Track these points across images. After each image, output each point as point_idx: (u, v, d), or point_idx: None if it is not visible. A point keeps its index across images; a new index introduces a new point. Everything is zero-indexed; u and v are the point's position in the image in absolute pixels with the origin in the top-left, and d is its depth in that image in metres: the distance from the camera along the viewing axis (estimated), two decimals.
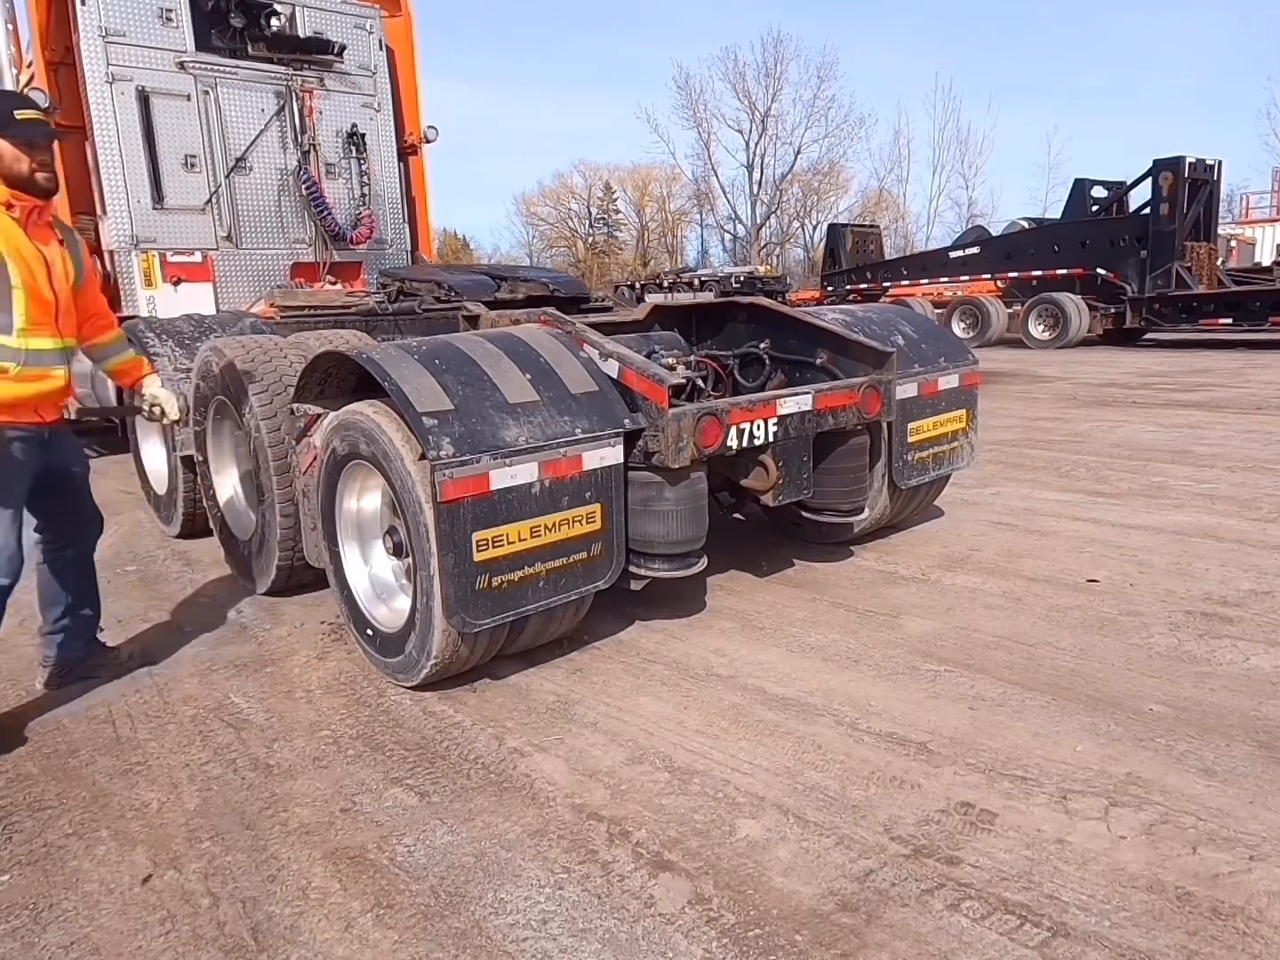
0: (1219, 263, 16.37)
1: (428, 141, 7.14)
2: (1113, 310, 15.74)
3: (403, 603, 3.05)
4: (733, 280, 19.65)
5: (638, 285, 21.74)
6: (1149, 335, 16.30)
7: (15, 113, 2.66)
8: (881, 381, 3.64)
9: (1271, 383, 10.25)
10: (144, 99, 5.56)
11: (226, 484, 4.28)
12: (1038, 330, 16.09)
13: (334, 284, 6.50)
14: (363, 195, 6.51)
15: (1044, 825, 2.12)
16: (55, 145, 2.89)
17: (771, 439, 3.30)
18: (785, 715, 2.72)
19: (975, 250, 18.12)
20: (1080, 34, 64.29)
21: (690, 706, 2.80)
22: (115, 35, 5.46)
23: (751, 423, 3.22)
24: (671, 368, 3.45)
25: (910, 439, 4.02)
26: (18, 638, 3.59)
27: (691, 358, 3.94)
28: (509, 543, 2.69)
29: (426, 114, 7.17)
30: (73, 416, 3.21)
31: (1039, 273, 16.53)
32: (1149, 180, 15.24)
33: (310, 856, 2.12)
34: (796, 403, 3.36)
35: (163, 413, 3.21)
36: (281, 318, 5.28)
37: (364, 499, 3.19)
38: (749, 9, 69.42)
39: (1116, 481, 5.55)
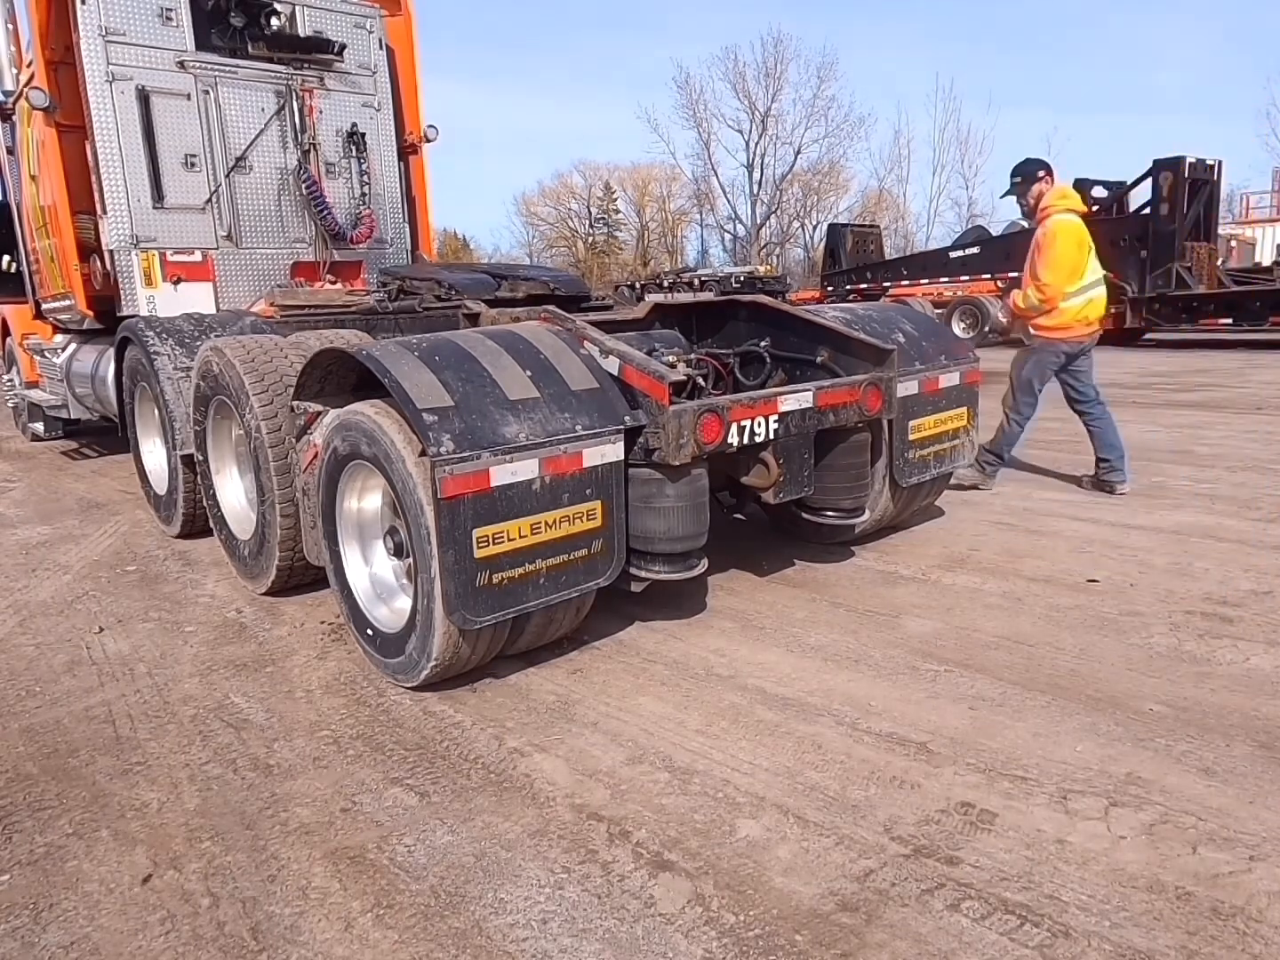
0: (1219, 263, 16.35)
1: (428, 141, 7.13)
2: (1113, 310, 15.65)
3: (403, 603, 3.05)
4: (733, 280, 19.64)
5: (638, 285, 21.73)
6: (1149, 335, 16.30)
7: None
8: (882, 379, 3.63)
9: (1271, 383, 10.24)
10: (144, 98, 5.56)
11: (226, 484, 4.29)
12: None
13: (334, 283, 6.49)
14: (363, 195, 6.50)
15: (1044, 825, 2.12)
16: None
17: (772, 436, 3.30)
18: (785, 715, 2.72)
19: (975, 250, 18.05)
20: (1080, 35, 64.25)
21: (690, 706, 2.80)
22: (115, 34, 5.46)
23: (752, 419, 3.21)
24: (672, 365, 3.45)
25: (911, 437, 4.02)
26: (18, 638, 3.59)
27: (692, 355, 3.94)
28: (509, 540, 2.68)
29: (426, 113, 7.15)
30: None
31: None
32: (1149, 180, 15.21)
33: (310, 856, 2.12)
34: (797, 400, 3.36)
35: None
36: (281, 317, 5.27)
37: (365, 499, 3.19)
38: (749, 9, 69.47)
39: None
